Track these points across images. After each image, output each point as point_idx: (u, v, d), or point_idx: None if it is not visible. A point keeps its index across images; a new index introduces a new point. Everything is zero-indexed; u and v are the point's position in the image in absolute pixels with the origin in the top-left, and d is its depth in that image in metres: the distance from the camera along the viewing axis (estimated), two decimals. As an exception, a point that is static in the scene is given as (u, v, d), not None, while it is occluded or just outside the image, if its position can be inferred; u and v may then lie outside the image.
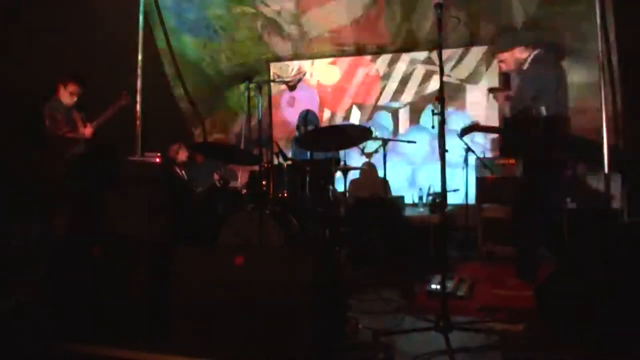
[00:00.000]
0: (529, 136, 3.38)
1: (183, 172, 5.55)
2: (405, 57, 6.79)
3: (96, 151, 4.43)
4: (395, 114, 6.89)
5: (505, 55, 3.60)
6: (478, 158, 5.11)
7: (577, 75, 5.28)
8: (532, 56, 3.48)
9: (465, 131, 4.02)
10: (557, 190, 3.55)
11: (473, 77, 6.51)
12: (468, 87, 6.53)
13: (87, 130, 4.38)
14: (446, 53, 6.52)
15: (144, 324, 2.48)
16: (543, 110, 3.31)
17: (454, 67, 6.54)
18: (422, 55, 6.72)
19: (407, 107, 6.84)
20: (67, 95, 4.32)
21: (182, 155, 5.73)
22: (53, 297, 2.66)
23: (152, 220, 3.84)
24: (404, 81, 6.82)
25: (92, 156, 4.37)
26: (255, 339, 2.19)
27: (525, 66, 3.50)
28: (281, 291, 2.17)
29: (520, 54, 3.53)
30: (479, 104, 6.46)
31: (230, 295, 2.24)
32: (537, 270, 3.42)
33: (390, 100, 6.90)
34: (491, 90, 3.83)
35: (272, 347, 2.16)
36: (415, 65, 6.77)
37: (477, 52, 6.46)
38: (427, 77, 6.73)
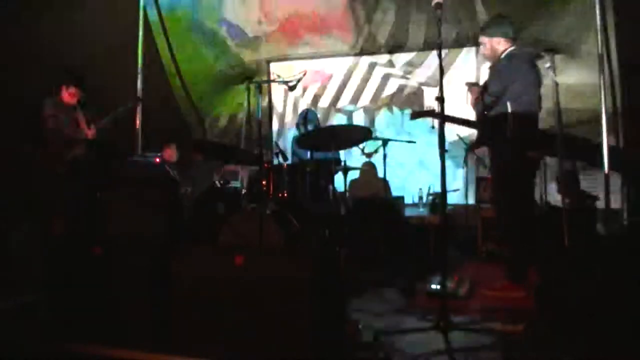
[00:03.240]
0: (497, 133, 3.35)
1: (175, 172, 5.54)
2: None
3: (97, 151, 4.42)
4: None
5: (485, 40, 3.58)
6: (478, 158, 5.12)
7: (575, 75, 5.29)
8: (507, 51, 3.47)
9: (416, 115, 3.94)
10: (528, 189, 3.50)
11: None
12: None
13: (90, 132, 4.36)
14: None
15: (144, 323, 2.48)
16: (508, 105, 3.28)
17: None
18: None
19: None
20: (67, 96, 4.32)
21: (173, 156, 5.73)
22: (53, 297, 2.66)
23: (152, 220, 3.83)
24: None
25: (93, 156, 4.36)
26: (255, 339, 2.19)
27: (500, 59, 3.48)
28: (281, 291, 2.17)
29: (498, 44, 3.50)
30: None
31: (230, 295, 2.24)
32: (527, 270, 3.38)
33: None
34: (468, 84, 3.81)
35: (272, 347, 2.16)
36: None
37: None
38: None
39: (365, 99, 6.95)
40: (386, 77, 6.81)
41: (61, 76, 4.33)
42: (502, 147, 3.37)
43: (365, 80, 6.91)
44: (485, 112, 3.46)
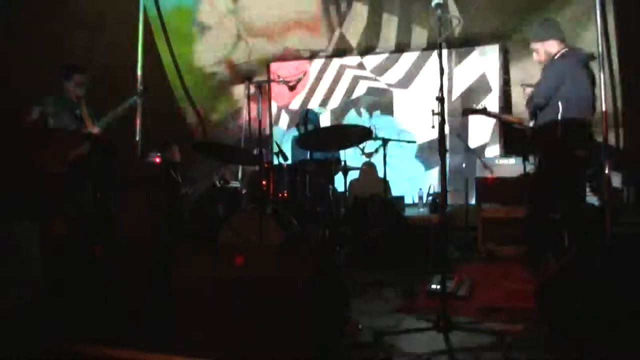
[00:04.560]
0: (548, 133, 3.37)
1: (175, 172, 5.53)
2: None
3: (100, 150, 4.38)
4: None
5: (538, 46, 3.60)
6: (478, 158, 5.12)
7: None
8: (561, 52, 3.48)
9: (468, 112, 3.96)
10: (576, 188, 3.52)
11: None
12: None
13: (95, 129, 4.32)
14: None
15: (144, 323, 2.48)
16: (559, 106, 3.29)
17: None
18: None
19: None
20: (75, 89, 4.26)
21: (176, 156, 5.72)
22: (53, 297, 2.66)
23: (152, 220, 3.84)
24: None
25: (96, 155, 4.33)
26: (255, 339, 2.19)
27: (552, 60, 3.49)
28: (281, 291, 2.17)
29: (551, 47, 3.52)
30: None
31: (230, 295, 2.24)
32: (542, 266, 3.42)
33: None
34: (523, 85, 3.85)
35: (272, 347, 2.16)
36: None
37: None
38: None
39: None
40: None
41: (62, 71, 4.30)
42: (553, 147, 3.39)
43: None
44: (537, 112, 3.48)
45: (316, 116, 4.86)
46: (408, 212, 5.46)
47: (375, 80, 6.80)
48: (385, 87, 6.75)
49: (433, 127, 2.61)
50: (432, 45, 6.38)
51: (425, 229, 4.69)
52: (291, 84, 3.69)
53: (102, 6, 5.05)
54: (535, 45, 3.62)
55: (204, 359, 2.20)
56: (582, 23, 5.03)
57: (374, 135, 4.16)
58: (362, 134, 3.93)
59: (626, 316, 2.22)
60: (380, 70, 6.76)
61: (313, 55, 7.00)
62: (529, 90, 3.65)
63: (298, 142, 4.06)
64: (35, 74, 4.42)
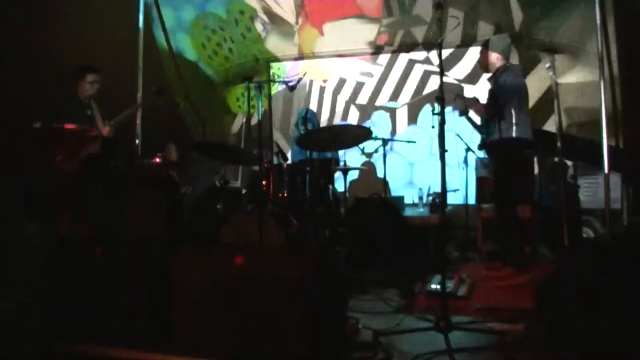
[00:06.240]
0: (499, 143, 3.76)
1: (175, 172, 5.52)
2: (404, 57, 6.81)
3: (108, 150, 4.36)
4: (393, 113, 6.86)
5: (486, 53, 4.01)
6: (478, 158, 5.12)
7: (576, 76, 5.29)
8: (502, 67, 3.88)
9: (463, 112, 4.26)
10: (523, 186, 4.01)
11: (470, 77, 6.50)
12: (465, 87, 6.52)
13: (105, 129, 4.31)
14: (444, 53, 6.55)
15: (144, 324, 2.48)
16: (512, 114, 3.69)
17: (452, 67, 6.54)
18: (420, 55, 6.73)
19: (405, 107, 6.85)
20: (87, 87, 4.25)
21: (173, 155, 5.71)
22: (53, 297, 2.66)
23: (152, 220, 3.83)
24: (402, 81, 6.84)
25: (105, 155, 4.31)
26: (255, 339, 2.19)
27: (497, 74, 3.89)
28: (281, 291, 2.17)
29: (496, 59, 3.93)
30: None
31: (230, 295, 2.24)
32: (523, 257, 3.79)
33: (389, 100, 6.90)
34: (457, 95, 4.29)
35: (272, 347, 2.16)
36: (413, 65, 6.80)
37: (475, 52, 6.38)
38: (425, 77, 6.75)
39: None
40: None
41: (76, 70, 4.28)
42: (503, 153, 3.83)
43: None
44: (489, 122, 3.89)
45: (315, 116, 4.85)
46: (408, 212, 5.45)
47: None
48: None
49: (433, 127, 2.62)
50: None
51: (425, 229, 4.69)
52: (291, 84, 3.68)
53: (102, 5, 5.04)
54: (484, 52, 4.03)
55: (204, 359, 2.20)
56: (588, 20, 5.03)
57: (373, 135, 4.16)
58: (362, 133, 3.94)
59: (626, 316, 2.22)
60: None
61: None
62: (459, 100, 4.01)
63: (298, 142, 4.06)
64: (35, 75, 4.42)
